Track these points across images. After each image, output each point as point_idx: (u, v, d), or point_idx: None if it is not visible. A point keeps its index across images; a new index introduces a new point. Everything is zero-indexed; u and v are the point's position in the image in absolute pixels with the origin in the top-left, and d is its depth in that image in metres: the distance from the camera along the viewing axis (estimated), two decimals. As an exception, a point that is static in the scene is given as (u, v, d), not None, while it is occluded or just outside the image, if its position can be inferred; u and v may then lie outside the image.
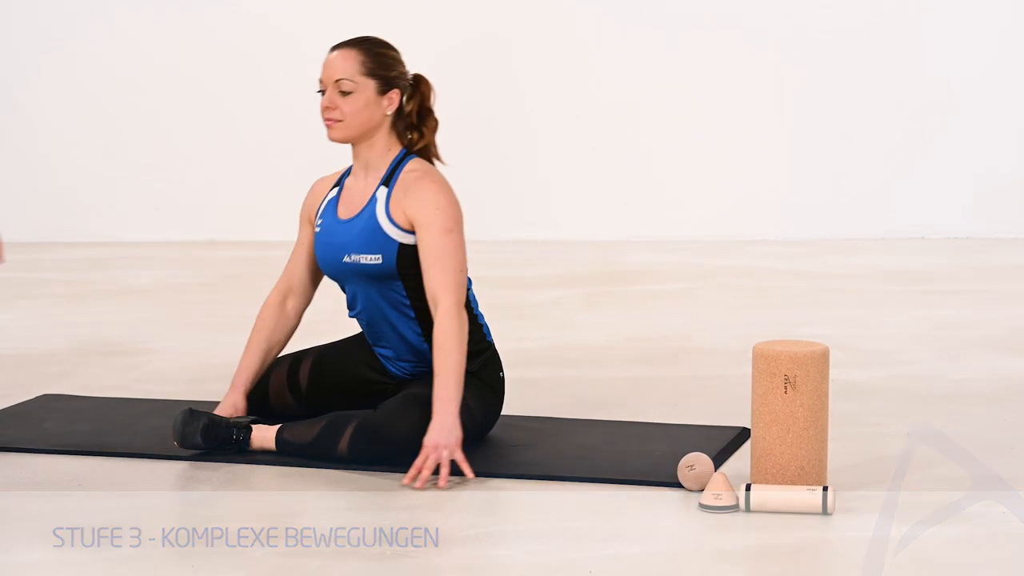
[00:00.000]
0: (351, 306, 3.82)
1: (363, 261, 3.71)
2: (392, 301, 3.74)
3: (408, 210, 3.68)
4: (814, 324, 5.54)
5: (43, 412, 4.18)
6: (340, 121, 3.72)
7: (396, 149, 3.77)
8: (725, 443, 3.74)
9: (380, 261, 3.69)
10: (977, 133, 8.17)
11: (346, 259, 3.73)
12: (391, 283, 3.72)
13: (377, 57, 3.75)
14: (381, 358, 3.84)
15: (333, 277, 3.82)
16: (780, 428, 3.29)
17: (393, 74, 3.75)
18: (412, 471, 3.43)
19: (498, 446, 3.75)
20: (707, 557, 2.96)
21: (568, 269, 6.91)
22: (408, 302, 3.74)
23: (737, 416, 4.03)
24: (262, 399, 3.89)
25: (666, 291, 6.47)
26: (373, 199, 3.73)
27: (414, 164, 3.75)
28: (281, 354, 3.93)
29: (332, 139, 3.77)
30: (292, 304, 3.91)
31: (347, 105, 3.71)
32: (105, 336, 5.49)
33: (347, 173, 3.85)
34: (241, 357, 3.89)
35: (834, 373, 4.27)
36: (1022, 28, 8.13)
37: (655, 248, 7.86)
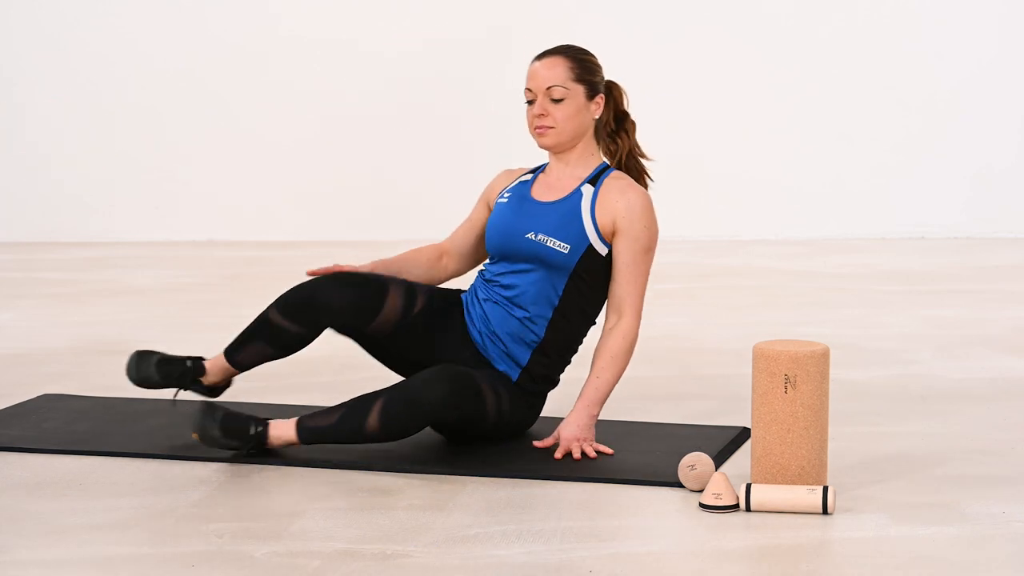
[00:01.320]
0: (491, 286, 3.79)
1: (549, 244, 3.71)
2: (539, 297, 3.73)
3: (617, 215, 3.75)
4: (814, 324, 5.54)
5: (43, 412, 4.18)
6: (552, 128, 3.75)
7: (598, 156, 3.86)
8: (725, 443, 3.75)
9: (567, 251, 3.71)
10: (977, 133, 8.17)
11: (529, 235, 3.73)
12: (555, 278, 3.73)
13: (583, 63, 3.84)
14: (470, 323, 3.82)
15: (499, 251, 3.77)
16: (780, 428, 3.29)
17: (597, 79, 3.88)
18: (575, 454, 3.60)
19: (498, 446, 3.75)
20: (707, 557, 2.96)
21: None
22: (556, 303, 3.74)
23: (737, 416, 4.03)
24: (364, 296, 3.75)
25: (666, 291, 6.48)
26: (578, 192, 3.78)
27: (620, 174, 3.85)
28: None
29: (544, 146, 3.79)
30: (444, 262, 3.94)
31: (559, 112, 3.75)
32: (105, 336, 5.49)
33: (541, 169, 3.88)
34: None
35: (834, 373, 4.28)
36: (1022, 28, 8.14)
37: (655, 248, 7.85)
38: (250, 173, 8.50)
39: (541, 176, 3.85)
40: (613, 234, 3.77)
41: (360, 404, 3.58)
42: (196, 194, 8.51)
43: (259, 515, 3.27)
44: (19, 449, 3.79)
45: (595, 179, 3.80)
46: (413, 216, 8.22)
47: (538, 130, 3.76)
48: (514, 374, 3.77)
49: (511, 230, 3.76)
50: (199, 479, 3.53)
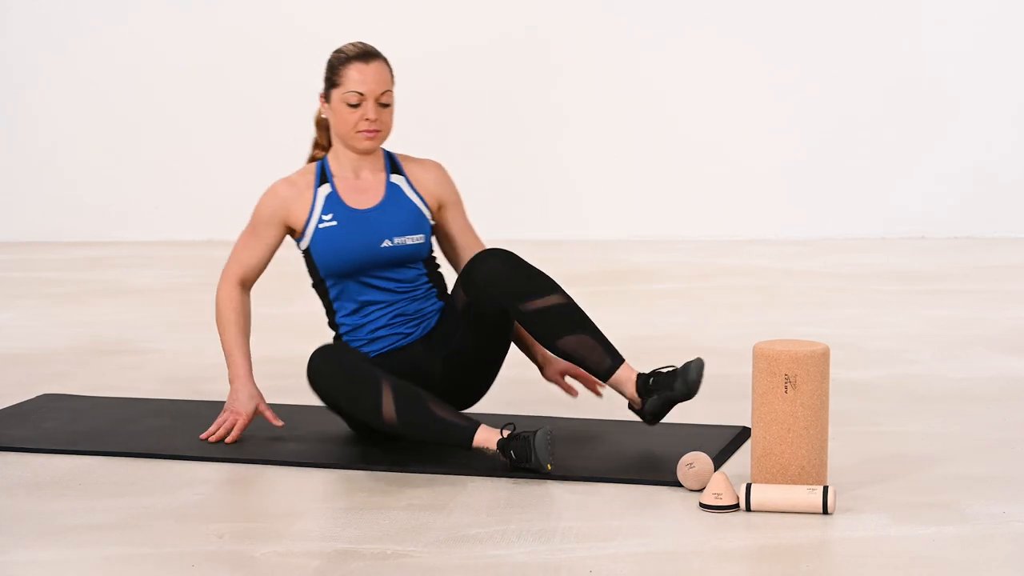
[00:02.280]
0: (355, 321, 3.84)
1: (408, 242, 3.80)
2: (409, 278, 3.82)
3: (435, 190, 3.90)
4: (814, 324, 5.54)
5: (43, 412, 4.18)
6: (379, 132, 3.80)
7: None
8: (725, 443, 3.75)
9: (421, 241, 3.83)
10: (977, 133, 8.17)
11: (386, 243, 3.79)
12: (417, 265, 3.84)
13: (391, 65, 3.89)
14: (405, 330, 3.86)
15: (356, 269, 3.80)
16: (780, 428, 3.29)
17: None
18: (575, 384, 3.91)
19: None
20: (707, 556, 2.96)
21: (568, 268, 6.91)
22: (426, 271, 3.87)
23: (737, 416, 4.03)
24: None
25: (666, 291, 6.48)
26: (394, 186, 3.86)
27: (403, 155, 3.95)
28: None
29: (366, 150, 3.82)
30: (246, 288, 3.94)
31: (387, 116, 3.83)
32: (105, 336, 5.49)
33: (321, 173, 3.86)
34: (229, 352, 3.87)
35: (834, 373, 4.28)
36: (1022, 27, 8.13)
37: (655, 248, 7.86)
38: (250, 173, 8.49)
39: (339, 185, 3.85)
40: (439, 208, 3.91)
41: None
42: (196, 194, 8.51)
43: (259, 515, 3.27)
44: (19, 449, 3.80)
45: (394, 168, 3.89)
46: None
47: (368, 134, 3.78)
48: (437, 308, 3.90)
49: (363, 245, 3.79)
50: (199, 479, 3.53)
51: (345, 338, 3.88)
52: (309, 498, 3.41)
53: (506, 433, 3.53)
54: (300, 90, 8.45)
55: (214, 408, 4.18)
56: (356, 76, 3.78)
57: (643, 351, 5.09)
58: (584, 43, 8.29)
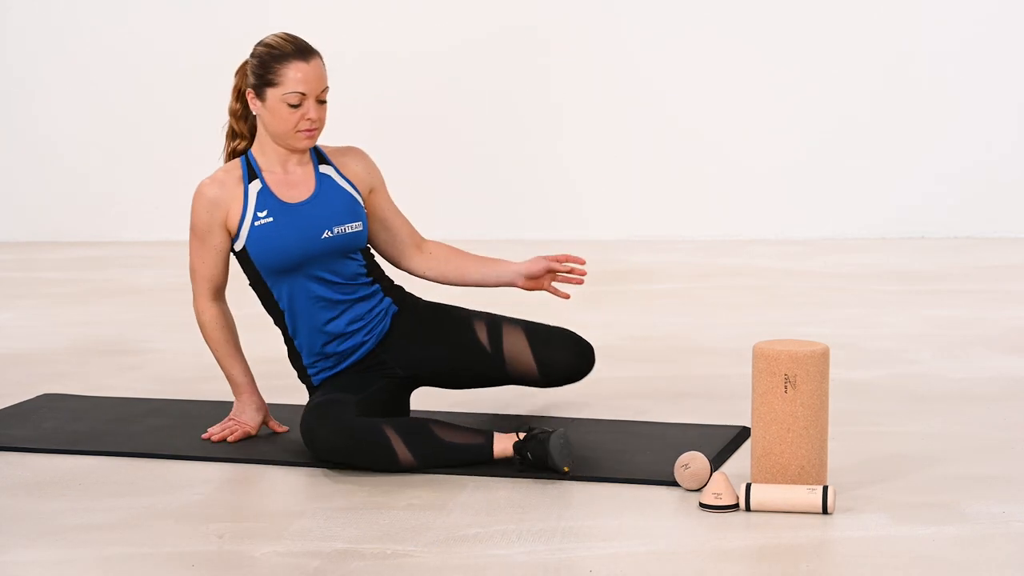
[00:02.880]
0: (295, 307, 3.78)
1: (348, 230, 3.74)
2: (350, 273, 3.77)
3: (364, 176, 3.86)
4: (814, 324, 5.54)
5: (43, 412, 4.19)
6: (318, 129, 3.74)
7: None
8: (725, 442, 3.75)
9: (360, 228, 3.77)
10: (977, 133, 8.17)
11: (326, 234, 3.72)
12: (357, 255, 3.79)
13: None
14: (358, 338, 3.81)
15: (297, 262, 3.72)
16: (780, 427, 3.29)
17: None
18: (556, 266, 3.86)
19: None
20: (707, 556, 2.96)
21: (568, 269, 6.91)
22: (364, 264, 3.83)
23: (737, 415, 4.03)
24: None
25: (666, 291, 6.48)
26: (324, 176, 3.80)
27: (325, 147, 3.88)
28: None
29: (303, 148, 3.76)
30: (222, 300, 3.87)
31: (324, 113, 3.75)
32: (105, 336, 5.49)
33: (248, 168, 3.79)
34: (227, 368, 3.83)
35: (834, 373, 4.28)
36: (1022, 27, 8.13)
37: (655, 248, 7.86)
38: (250, 173, 8.51)
39: (269, 179, 3.77)
40: (369, 193, 3.86)
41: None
42: (196, 194, 8.51)
43: (259, 515, 3.27)
44: (19, 449, 3.80)
45: (320, 158, 3.83)
46: (413, 215, 8.22)
47: (307, 133, 3.71)
48: (391, 312, 3.86)
49: (302, 239, 3.71)
50: (199, 479, 3.53)
51: (311, 369, 3.80)
52: (309, 498, 3.41)
53: (521, 435, 3.53)
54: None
55: (214, 408, 4.19)
56: (297, 76, 3.66)
57: (643, 351, 5.09)
58: (584, 43, 8.29)
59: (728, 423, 3.97)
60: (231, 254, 3.82)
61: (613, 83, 8.26)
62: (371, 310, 3.82)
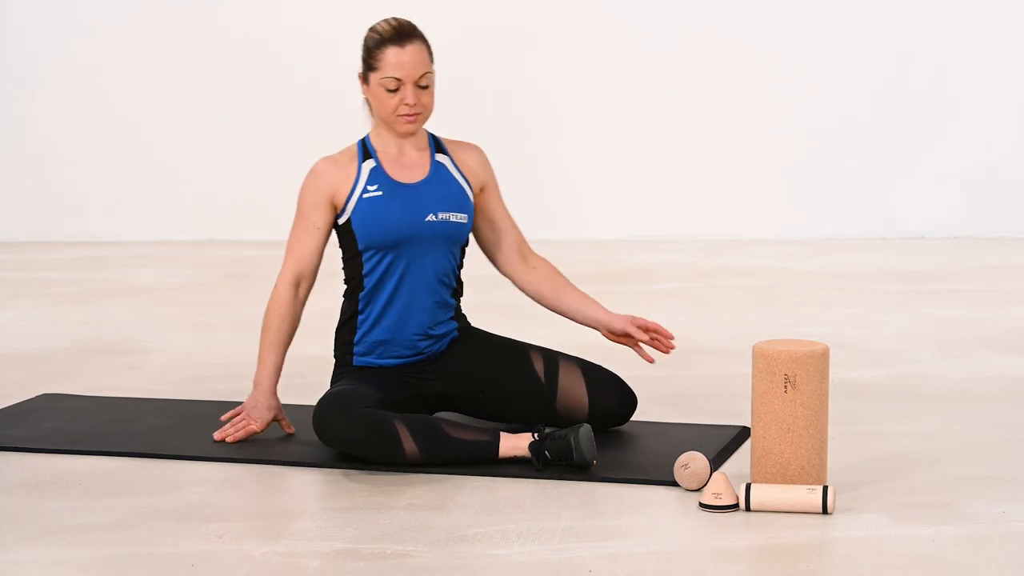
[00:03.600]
0: (381, 288, 3.76)
1: (452, 219, 3.76)
2: (442, 271, 3.79)
3: (479, 172, 3.87)
4: (814, 323, 5.54)
5: (43, 412, 4.18)
6: (420, 114, 3.75)
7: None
8: (725, 442, 3.75)
9: (465, 221, 3.80)
10: (977, 132, 8.17)
11: (430, 218, 3.74)
12: (455, 248, 3.81)
13: (428, 42, 3.79)
14: (417, 345, 3.81)
15: (392, 242, 3.73)
16: (780, 427, 3.29)
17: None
18: (644, 337, 3.85)
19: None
20: (707, 556, 2.96)
21: (568, 268, 6.89)
22: (455, 272, 3.85)
23: (737, 415, 4.03)
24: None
25: (666, 290, 6.48)
26: (439, 164, 3.82)
27: (446, 138, 3.89)
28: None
29: (409, 133, 3.77)
30: (302, 291, 3.82)
31: (427, 97, 3.74)
32: (105, 336, 5.49)
33: (370, 153, 3.80)
34: (263, 356, 3.79)
35: (834, 373, 4.28)
36: (1022, 27, 8.13)
37: (655, 248, 7.86)
38: (251, 173, 8.50)
39: (384, 158, 3.79)
40: (480, 190, 3.88)
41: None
42: (196, 194, 8.51)
43: (259, 515, 3.27)
44: (19, 449, 3.80)
45: (438, 147, 3.85)
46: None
47: (408, 118, 3.72)
48: (453, 330, 3.86)
49: (405, 219, 3.73)
50: (199, 479, 3.53)
51: (358, 347, 3.79)
52: (309, 498, 3.41)
53: (535, 435, 3.54)
54: (300, 90, 8.46)
55: (214, 407, 4.19)
56: (393, 60, 3.69)
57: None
58: (584, 43, 8.29)
59: (728, 423, 3.97)
60: (334, 230, 3.81)
61: (613, 83, 8.26)
62: (441, 323, 3.83)
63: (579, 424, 3.53)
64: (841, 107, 8.21)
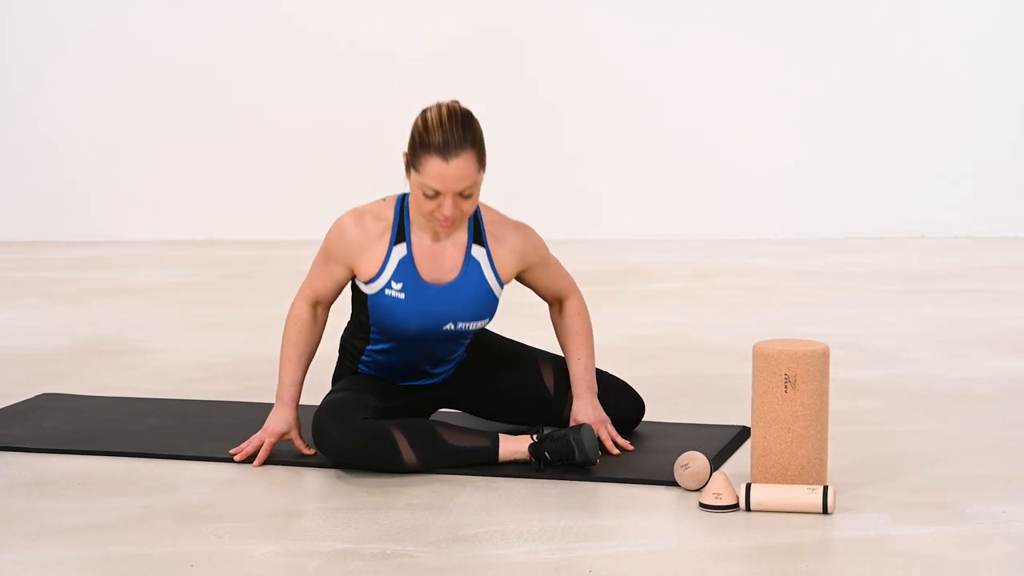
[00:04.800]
0: (385, 355, 3.73)
1: (470, 328, 3.65)
2: (452, 349, 3.74)
3: (514, 265, 3.69)
4: (814, 323, 5.54)
5: (43, 412, 4.18)
6: (457, 220, 3.52)
7: None
8: (725, 442, 3.75)
9: (484, 325, 3.69)
10: (977, 132, 8.17)
11: (448, 327, 3.63)
12: (469, 338, 3.75)
13: (482, 145, 3.53)
14: (427, 373, 3.79)
15: (403, 338, 3.65)
16: (780, 427, 3.29)
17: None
18: (607, 445, 3.66)
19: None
20: (707, 556, 2.96)
21: (568, 269, 6.90)
22: (468, 343, 3.78)
23: (737, 415, 4.03)
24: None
25: (666, 290, 6.48)
26: (473, 262, 3.64)
27: (490, 216, 3.70)
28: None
29: (444, 234, 3.59)
30: (321, 311, 3.74)
31: (468, 204, 3.50)
32: (105, 335, 5.49)
33: (399, 224, 3.62)
34: (282, 371, 3.71)
35: (834, 372, 4.28)
36: (1022, 26, 8.13)
37: (655, 248, 7.86)
38: (251, 173, 8.50)
39: (417, 246, 3.61)
40: (519, 273, 3.73)
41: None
42: (196, 194, 8.51)
43: (259, 515, 3.27)
44: (19, 449, 3.79)
45: (477, 234, 3.66)
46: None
47: (444, 223, 3.50)
48: (462, 357, 3.82)
49: (425, 325, 3.62)
50: (199, 479, 3.53)
51: (366, 356, 3.75)
52: (309, 498, 3.41)
53: (534, 437, 3.54)
54: (300, 90, 8.46)
55: (214, 407, 4.19)
56: (435, 172, 3.44)
57: (643, 351, 5.09)
58: (584, 43, 8.29)
59: (728, 423, 3.97)
60: (347, 283, 3.72)
61: (613, 83, 8.26)
62: (452, 366, 3.81)
63: (580, 424, 3.53)
64: (841, 107, 8.21)
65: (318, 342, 3.76)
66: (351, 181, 8.40)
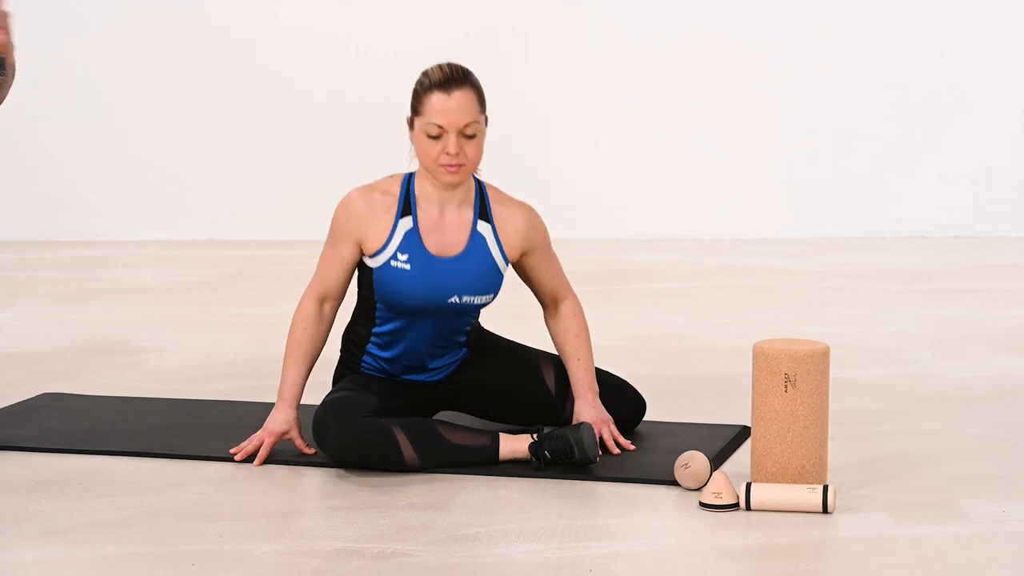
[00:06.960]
0: (390, 337, 3.73)
1: (475, 302, 3.66)
2: (456, 328, 3.74)
3: (520, 243, 3.71)
4: (814, 323, 5.54)
5: (43, 411, 4.18)
6: (463, 165, 3.56)
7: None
8: (725, 442, 3.75)
9: (489, 300, 3.70)
10: (977, 132, 8.17)
11: (453, 299, 3.64)
12: (475, 314, 3.75)
13: (481, 89, 3.61)
14: (427, 368, 3.79)
15: (408, 311, 3.66)
16: (780, 427, 3.29)
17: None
18: (609, 444, 3.66)
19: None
20: (707, 555, 2.96)
21: (568, 268, 6.89)
22: (469, 328, 3.79)
23: (737, 415, 4.03)
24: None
25: (666, 290, 6.48)
26: (479, 236, 3.67)
27: (495, 193, 3.73)
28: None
29: (451, 184, 3.59)
30: (327, 309, 3.74)
31: (472, 148, 3.55)
32: (105, 335, 5.49)
33: (405, 198, 3.66)
34: (285, 370, 3.72)
35: (834, 372, 4.28)
36: (1022, 26, 8.14)
37: (654, 248, 7.86)
38: (250, 172, 8.51)
39: (423, 220, 3.65)
40: (522, 255, 3.75)
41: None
42: (196, 194, 8.51)
43: (259, 515, 3.27)
44: (19, 448, 3.79)
45: (483, 210, 3.69)
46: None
47: (450, 168, 3.55)
48: (462, 357, 3.82)
49: (430, 298, 3.63)
50: (199, 479, 3.53)
51: (367, 357, 3.76)
52: (309, 498, 3.41)
53: (534, 436, 3.54)
54: (300, 90, 8.46)
55: (214, 407, 4.19)
56: (437, 107, 3.52)
57: (643, 350, 5.09)
58: (582, 43, 8.29)
59: (728, 423, 3.97)
60: (357, 264, 3.72)
61: (614, 83, 8.26)
62: (452, 354, 3.81)
63: (579, 423, 3.53)
64: (841, 107, 8.21)
65: (323, 342, 3.76)
66: (351, 181, 8.41)
